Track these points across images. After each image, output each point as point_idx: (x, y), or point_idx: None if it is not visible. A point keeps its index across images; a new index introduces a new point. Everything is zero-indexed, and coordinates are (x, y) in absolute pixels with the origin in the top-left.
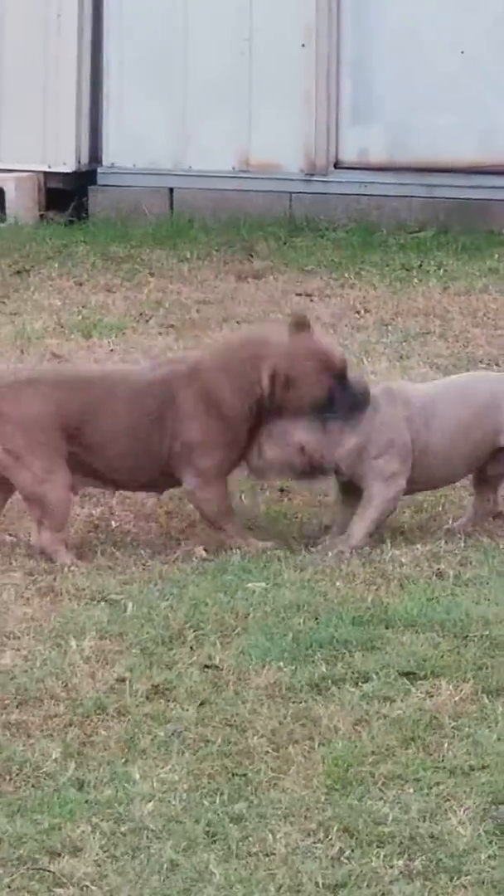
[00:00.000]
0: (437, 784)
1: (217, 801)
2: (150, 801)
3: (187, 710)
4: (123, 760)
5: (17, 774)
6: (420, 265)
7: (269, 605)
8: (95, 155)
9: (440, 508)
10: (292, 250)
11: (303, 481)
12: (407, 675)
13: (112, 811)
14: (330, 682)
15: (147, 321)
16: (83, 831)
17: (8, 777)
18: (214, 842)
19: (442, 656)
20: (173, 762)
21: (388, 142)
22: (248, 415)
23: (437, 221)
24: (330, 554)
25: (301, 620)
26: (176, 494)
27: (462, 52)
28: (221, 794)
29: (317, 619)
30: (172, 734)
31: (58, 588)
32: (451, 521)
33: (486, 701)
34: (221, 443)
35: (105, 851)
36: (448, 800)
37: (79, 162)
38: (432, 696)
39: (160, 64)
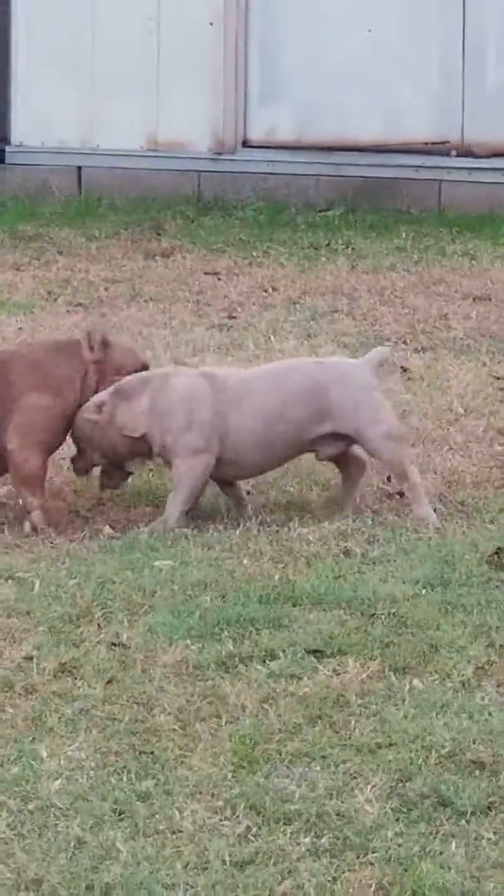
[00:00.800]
0: (344, 762)
1: (124, 778)
2: (57, 778)
3: (94, 688)
4: (31, 738)
5: None
6: (328, 244)
7: (177, 582)
8: (3, 134)
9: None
10: (200, 229)
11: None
12: (314, 652)
13: (19, 789)
14: (237, 659)
15: (55, 300)
16: None
17: None
18: (121, 819)
19: (349, 634)
20: (80, 740)
21: (296, 121)
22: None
23: (345, 200)
24: (147, 530)
25: (208, 598)
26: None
27: (369, 31)
28: (129, 771)
29: (224, 597)
30: (80, 712)
31: None
32: (357, 499)
33: (394, 679)
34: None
35: (12, 829)
36: (355, 777)
37: None
38: (339, 674)
39: (68, 42)
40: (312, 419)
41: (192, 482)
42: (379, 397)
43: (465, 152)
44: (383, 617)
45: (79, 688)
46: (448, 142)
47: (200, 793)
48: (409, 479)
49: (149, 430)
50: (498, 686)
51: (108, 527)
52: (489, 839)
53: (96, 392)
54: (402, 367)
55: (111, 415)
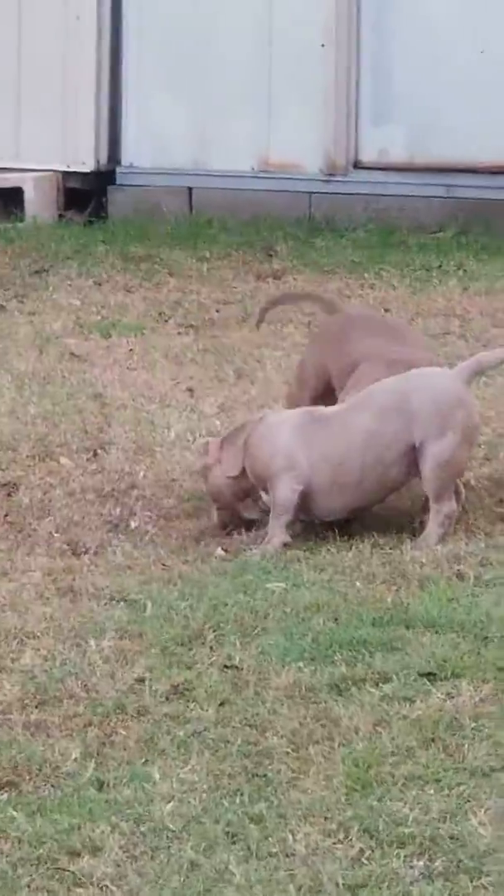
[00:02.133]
0: (458, 785)
1: (237, 801)
2: (169, 801)
3: (207, 710)
4: (143, 760)
5: (37, 774)
6: (440, 266)
7: (289, 605)
8: (114, 155)
9: (460, 508)
10: (312, 250)
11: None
12: (427, 675)
13: (132, 811)
14: (350, 682)
15: (166, 321)
16: (103, 831)
17: (28, 776)
18: (234, 842)
19: (462, 657)
20: (193, 762)
21: (408, 142)
22: None
23: (457, 222)
24: (259, 552)
25: (321, 621)
26: (196, 495)
27: (482, 52)
28: (241, 794)
29: (336, 619)
30: (192, 734)
31: (77, 588)
32: (470, 521)
33: None
34: None
35: (125, 851)
36: (468, 800)
37: (98, 162)
38: (452, 697)
39: (180, 63)
40: (396, 433)
41: (285, 493)
42: (455, 413)
43: None
44: (496, 640)
45: (191, 710)
46: None
47: (313, 815)
48: (444, 504)
49: (246, 467)
50: None
51: (220, 549)
52: None
53: None
54: None
55: (217, 459)
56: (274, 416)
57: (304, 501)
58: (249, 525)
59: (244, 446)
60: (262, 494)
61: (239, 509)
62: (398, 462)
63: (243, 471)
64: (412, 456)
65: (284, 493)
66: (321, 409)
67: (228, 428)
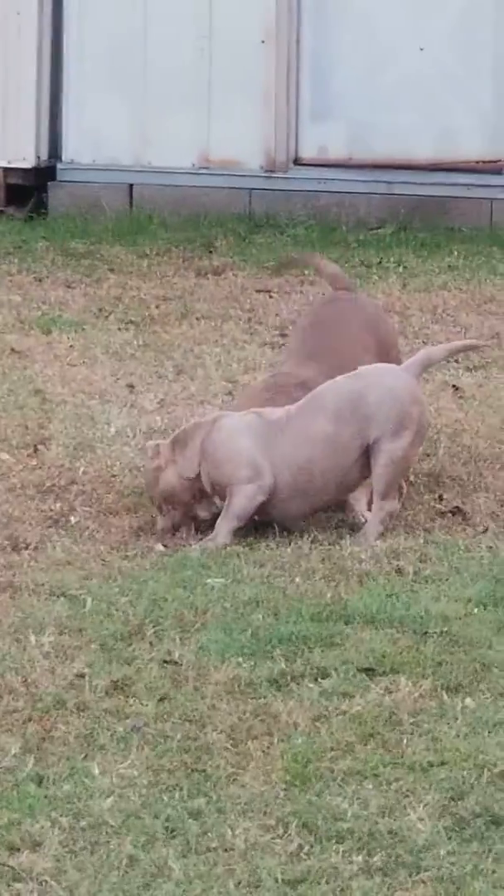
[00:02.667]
0: (397, 780)
1: (176, 796)
2: (109, 796)
3: (147, 705)
4: (83, 756)
5: None
6: (379, 262)
7: (229, 600)
8: (55, 151)
9: (401, 505)
10: (252, 247)
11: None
12: (366, 671)
13: (71, 806)
14: (289, 678)
15: (107, 317)
16: (42, 826)
17: None
18: (173, 837)
19: (401, 653)
20: (133, 758)
21: (348, 139)
22: None
23: (397, 218)
24: (199, 548)
25: (260, 616)
26: (136, 491)
27: (422, 50)
28: (181, 789)
29: (276, 615)
30: (132, 730)
31: (17, 583)
32: (410, 517)
33: (446, 697)
34: None
35: (64, 847)
36: (407, 796)
37: (38, 158)
38: (391, 693)
39: (120, 60)
40: (353, 433)
41: (242, 502)
42: (411, 411)
43: None
44: (435, 636)
45: (131, 705)
46: (500, 161)
47: (252, 811)
48: (388, 502)
49: (202, 471)
50: None
51: (160, 545)
52: None
53: None
54: (453, 386)
55: (169, 461)
56: (229, 419)
57: (263, 506)
58: (194, 524)
59: (202, 452)
60: (216, 500)
61: (195, 510)
62: (357, 462)
63: (199, 474)
64: (367, 455)
65: (245, 501)
66: (270, 411)
67: (170, 424)
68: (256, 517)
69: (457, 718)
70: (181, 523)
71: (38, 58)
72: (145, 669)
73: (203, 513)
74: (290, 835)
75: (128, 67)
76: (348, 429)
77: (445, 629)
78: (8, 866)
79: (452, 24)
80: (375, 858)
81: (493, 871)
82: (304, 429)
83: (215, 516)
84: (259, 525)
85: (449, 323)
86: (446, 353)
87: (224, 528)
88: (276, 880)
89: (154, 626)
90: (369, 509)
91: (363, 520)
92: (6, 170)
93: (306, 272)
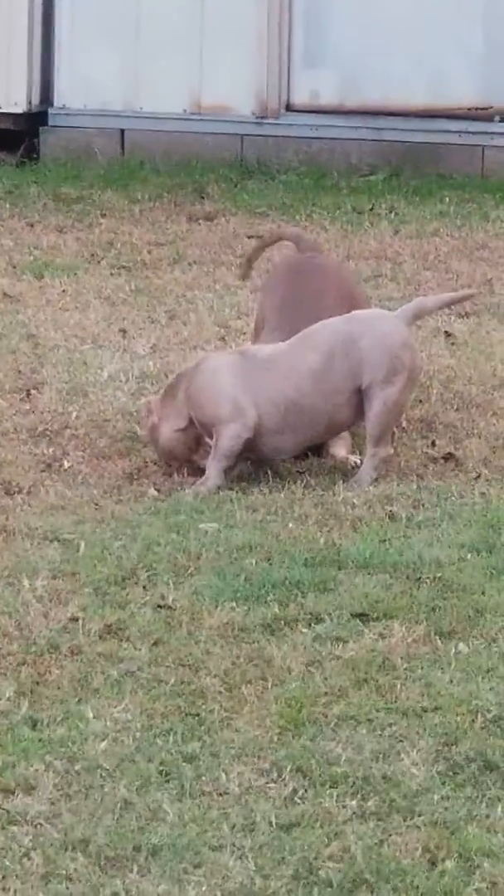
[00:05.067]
0: (390, 725)
1: (170, 740)
2: (103, 740)
3: (140, 649)
4: (77, 699)
5: None
6: (371, 208)
7: (222, 545)
8: (47, 96)
9: (394, 451)
10: (244, 193)
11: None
12: (359, 616)
13: (65, 750)
14: (283, 622)
15: (99, 262)
16: (37, 770)
17: None
18: (168, 781)
19: (394, 598)
20: (127, 701)
21: (340, 85)
22: None
23: (388, 165)
24: (191, 492)
25: (253, 561)
26: (129, 435)
27: None
28: (175, 733)
29: (269, 560)
30: (125, 673)
31: (10, 528)
32: (402, 463)
33: (439, 643)
34: None
35: (59, 790)
36: (401, 741)
37: (30, 103)
38: (385, 638)
39: (112, 5)
40: (344, 375)
41: (228, 443)
42: (403, 356)
43: None
44: (429, 581)
45: (125, 649)
46: (492, 107)
47: (246, 755)
48: (381, 448)
49: (191, 416)
50: None
51: (153, 488)
52: None
53: None
54: (445, 333)
55: (160, 416)
56: (210, 360)
57: (252, 443)
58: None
59: (186, 397)
60: (207, 440)
61: (195, 460)
62: (347, 403)
63: (190, 421)
64: (359, 398)
65: (229, 441)
66: (256, 348)
67: (162, 369)
68: (247, 456)
69: (450, 664)
70: (190, 475)
71: (30, 3)
72: (139, 613)
73: (204, 462)
74: (284, 779)
75: (120, 12)
76: (340, 368)
77: (438, 575)
78: (3, 809)
79: None
80: (369, 803)
81: (487, 816)
82: (294, 364)
83: None
84: (252, 470)
85: (441, 270)
86: (439, 304)
87: (214, 470)
88: (271, 824)
89: (147, 571)
90: (350, 454)
91: (353, 465)
92: None
93: (297, 217)
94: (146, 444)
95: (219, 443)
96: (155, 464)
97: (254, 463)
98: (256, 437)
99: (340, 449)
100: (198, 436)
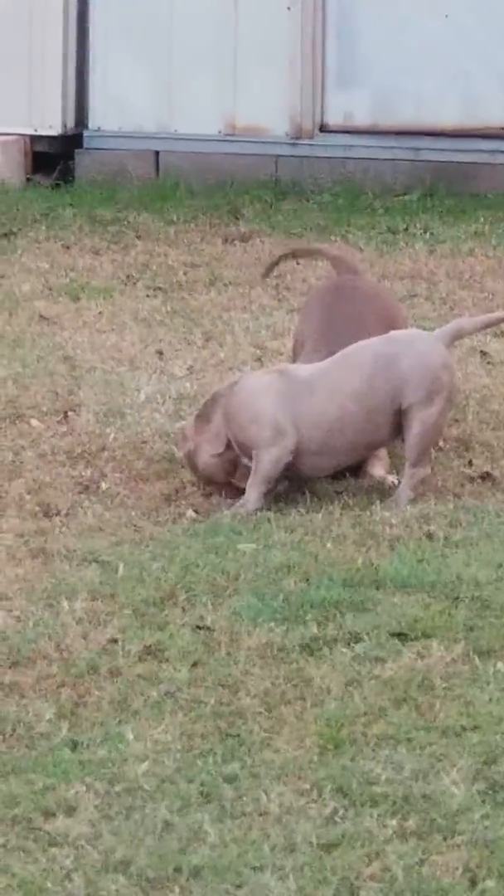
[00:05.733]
0: (430, 744)
1: (210, 761)
2: (143, 761)
3: (180, 670)
4: (117, 721)
5: (11, 735)
6: (406, 228)
7: (260, 566)
8: (82, 118)
9: (431, 471)
10: (278, 213)
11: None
12: (398, 635)
13: (106, 771)
14: (321, 642)
15: (134, 284)
16: (77, 791)
17: (1, 737)
18: (208, 802)
19: (433, 617)
20: (166, 723)
21: (374, 105)
22: None
23: (423, 184)
24: (230, 514)
25: (292, 581)
26: (166, 457)
27: (446, 17)
28: (215, 754)
29: (307, 580)
30: (165, 694)
31: (49, 549)
32: (439, 482)
33: (478, 662)
34: None
35: (99, 811)
36: (440, 760)
37: (65, 125)
38: (423, 657)
39: (146, 27)
40: (384, 396)
41: (268, 467)
42: (442, 377)
43: None
44: (467, 600)
45: (164, 671)
46: None
47: (287, 775)
48: (420, 468)
49: (230, 438)
50: None
51: (191, 510)
52: None
53: None
54: (482, 352)
55: (196, 442)
56: (249, 380)
57: (290, 464)
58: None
59: (224, 419)
60: (245, 461)
61: (234, 482)
62: (386, 424)
63: (228, 444)
64: (398, 418)
65: (269, 465)
66: (295, 367)
67: (199, 391)
68: (285, 475)
69: (489, 683)
70: (230, 497)
71: (65, 26)
72: (178, 635)
73: (243, 483)
74: (324, 799)
75: (154, 35)
76: (381, 389)
77: (477, 594)
78: (44, 831)
79: None
80: (410, 822)
81: None
82: (336, 385)
83: None
84: (289, 491)
85: (476, 289)
86: (479, 325)
87: (254, 494)
88: (311, 844)
89: (186, 592)
90: (388, 474)
91: (391, 485)
92: (33, 137)
93: (332, 237)
94: (184, 467)
95: (259, 466)
96: (193, 485)
97: (290, 480)
98: (296, 458)
99: (378, 468)
100: (235, 458)
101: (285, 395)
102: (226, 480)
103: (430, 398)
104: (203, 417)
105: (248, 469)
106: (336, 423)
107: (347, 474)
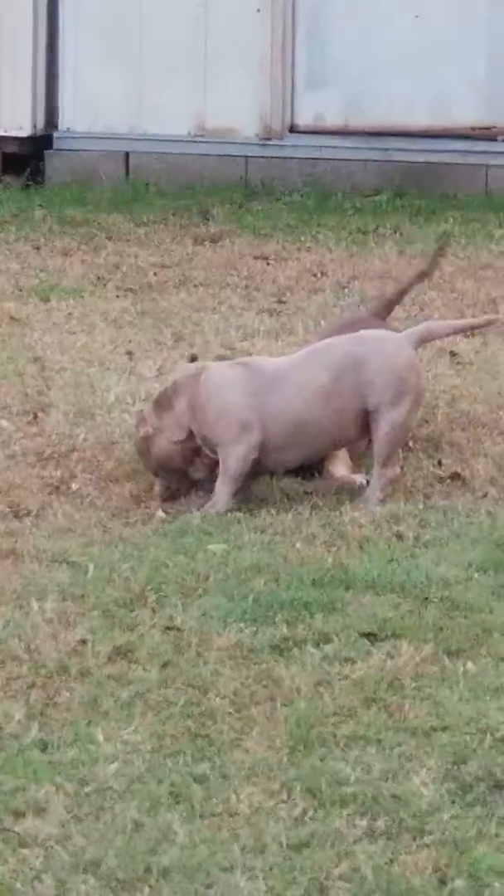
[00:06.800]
0: (399, 745)
1: (180, 761)
2: (113, 762)
3: (149, 671)
4: (87, 722)
5: None
6: (376, 228)
7: (230, 566)
8: (51, 119)
9: (401, 470)
10: (248, 214)
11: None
12: (367, 636)
13: (76, 772)
14: (291, 643)
15: (105, 285)
16: (47, 792)
17: None
18: (178, 802)
19: (402, 618)
20: (136, 723)
21: (343, 106)
22: None
23: (392, 185)
24: (199, 514)
25: (262, 582)
26: (136, 458)
27: (417, 17)
28: (185, 754)
29: (277, 580)
30: (135, 695)
31: (19, 550)
32: (409, 483)
33: (447, 662)
34: None
35: (69, 812)
36: (410, 760)
37: (35, 126)
38: (393, 658)
39: (116, 28)
40: (351, 395)
41: (236, 465)
42: (409, 378)
43: None
44: (436, 601)
45: (134, 671)
46: (494, 127)
47: (256, 776)
48: (389, 468)
49: (192, 429)
50: None
51: (160, 510)
52: None
53: None
54: (451, 352)
55: (156, 427)
56: (215, 374)
57: (257, 459)
58: (193, 486)
59: (189, 410)
60: (207, 452)
61: (190, 472)
62: (353, 422)
63: (190, 433)
64: (364, 417)
65: (238, 463)
66: (260, 360)
67: None
68: (251, 472)
69: (458, 683)
70: (179, 486)
71: (35, 27)
72: (148, 635)
73: (198, 474)
74: (294, 799)
75: (124, 35)
76: (347, 388)
77: (446, 594)
78: (13, 832)
79: None
80: (379, 822)
81: (497, 835)
82: (302, 381)
83: (210, 474)
84: (259, 491)
85: (446, 290)
86: (449, 331)
87: (223, 494)
88: (281, 845)
89: (156, 593)
90: (354, 474)
91: (360, 485)
92: (2, 138)
93: (302, 238)
94: (137, 452)
95: (227, 466)
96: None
97: (252, 476)
98: (260, 453)
99: (339, 468)
100: (195, 448)
101: (251, 390)
102: (182, 469)
103: (397, 399)
104: (163, 404)
105: (208, 461)
106: (301, 419)
107: (316, 474)
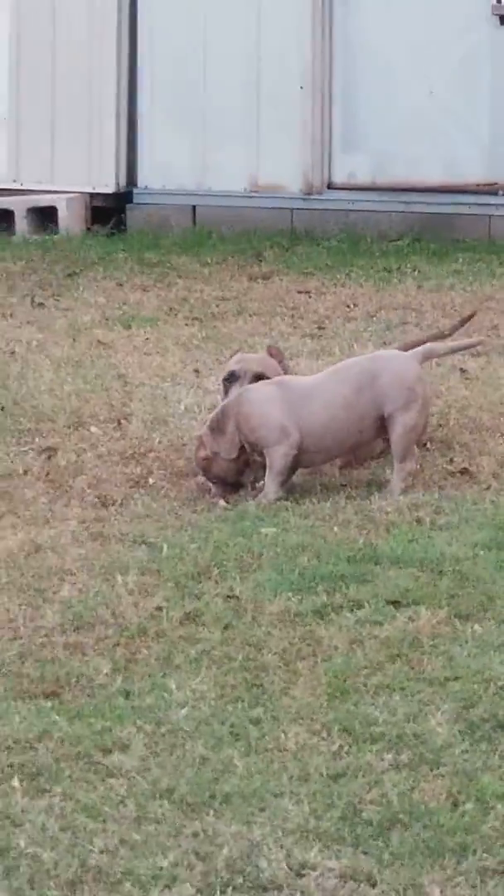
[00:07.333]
0: (419, 692)
1: (239, 706)
2: (184, 707)
3: (213, 633)
4: (162, 674)
5: (75, 685)
6: (398, 268)
7: (279, 546)
8: (132, 178)
9: (418, 466)
10: (294, 256)
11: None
12: (393, 603)
13: (153, 716)
14: (330, 609)
15: (176, 315)
16: (129, 732)
17: (67, 688)
18: (237, 740)
19: (421, 588)
20: (203, 675)
21: (372, 167)
22: None
23: (412, 232)
24: (254, 503)
25: (306, 559)
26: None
27: (431, 93)
28: (242, 701)
29: (318, 557)
30: (202, 653)
31: (106, 533)
32: (426, 477)
33: (458, 624)
34: None
35: (148, 749)
36: (428, 705)
37: (118, 184)
38: (413, 621)
39: (184, 102)
40: (369, 404)
41: (280, 461)
42: (417, 388)
43: None
44: (449, 573)
45: (200, 633)
46: (496, 184)
47: (301, 718)
48: (406, 463)
49: (243, 443)
50: None
51: (222, 500)
52: None
53: None
54: (461, 369)
55: (214, 450)
56: (254, 392)
57: (294, 459)
58: (240, 487)
59: (236, 427)
60: (256, 457)
61: (242, 480)
62: (370, 427)
63: (241, 448)
64: (381, 423)
65: (281, 459)
66: (290, 379)
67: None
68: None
69: (467, 641)
70: (232, 489)
71: (117, 103)
72: (212, 603)
73: (246, 479)
74: (332, 738)
75: (191, 107)
76: (365, 398)
77: (457, 568)
78: (102, 765)
79: (455, 70)
80: (402, 756)
81: (500, 766)
82: (329, 396)
83: (260, 475)
84: (304, 484)
85: (456, 317)
86: (447, 350)
87: (272, 486)
88: (322, 775)
89: (218, 568)
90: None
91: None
92: (92, 195)
93: (338, 276)
94: (196, 472)
95: (272, 462)
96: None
97: (292, 471)
98: (297, 454)
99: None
100: (246, 461)
101: (286, 402)
102: (236, 480)
103: (408, 405)
104: (218, 429)
105: (258, 465)
106: (329, 428)
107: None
